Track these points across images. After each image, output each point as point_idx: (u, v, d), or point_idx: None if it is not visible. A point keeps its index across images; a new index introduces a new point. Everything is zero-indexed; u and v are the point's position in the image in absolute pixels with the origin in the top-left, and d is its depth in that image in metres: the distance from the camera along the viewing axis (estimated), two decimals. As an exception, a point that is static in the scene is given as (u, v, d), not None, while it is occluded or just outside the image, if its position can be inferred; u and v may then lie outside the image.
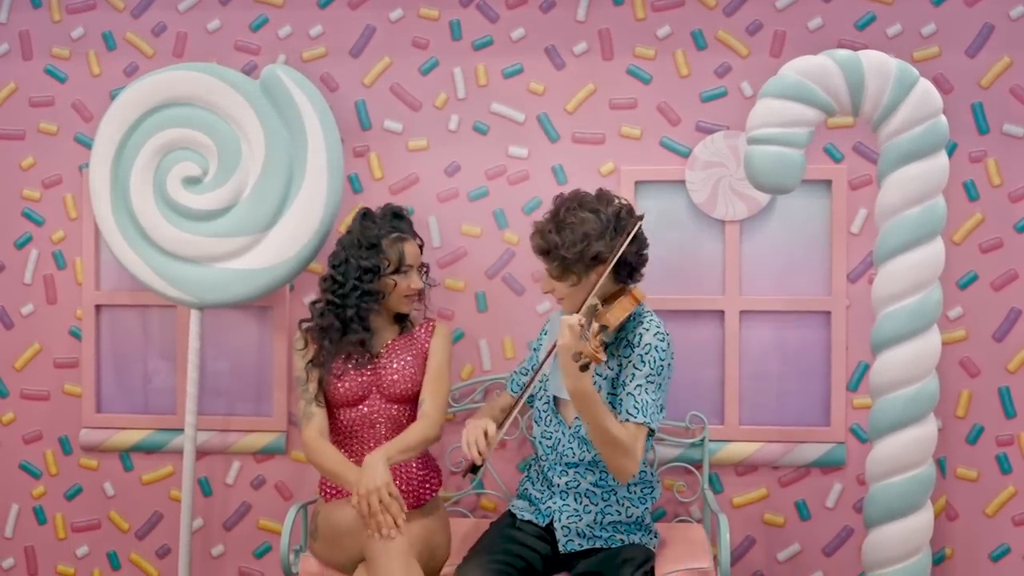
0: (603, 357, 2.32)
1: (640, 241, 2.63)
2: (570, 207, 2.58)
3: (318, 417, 2.79)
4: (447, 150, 3.28)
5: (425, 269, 2.93)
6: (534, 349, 2.93)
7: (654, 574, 2.61)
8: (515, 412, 2.56)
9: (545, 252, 2.59)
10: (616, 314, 2.48)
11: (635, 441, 2.47)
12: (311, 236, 3.00)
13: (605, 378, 2.61)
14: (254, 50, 3.31)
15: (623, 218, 2.58)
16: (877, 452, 2.77)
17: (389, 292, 2.81)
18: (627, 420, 2.49)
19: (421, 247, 2.92)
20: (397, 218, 2.89)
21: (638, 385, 2.52)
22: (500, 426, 2.55)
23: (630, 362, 2.55)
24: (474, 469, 2.53)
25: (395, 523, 2.50)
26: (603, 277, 2.55)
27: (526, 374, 2.90)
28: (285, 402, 3.32)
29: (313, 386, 2.80)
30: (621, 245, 2.54)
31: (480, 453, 2.48)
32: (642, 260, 2.66)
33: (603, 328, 2.43)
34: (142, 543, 3.42)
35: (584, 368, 2.34)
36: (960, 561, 3.20)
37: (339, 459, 2.70)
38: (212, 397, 3.36)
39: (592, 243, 2.53)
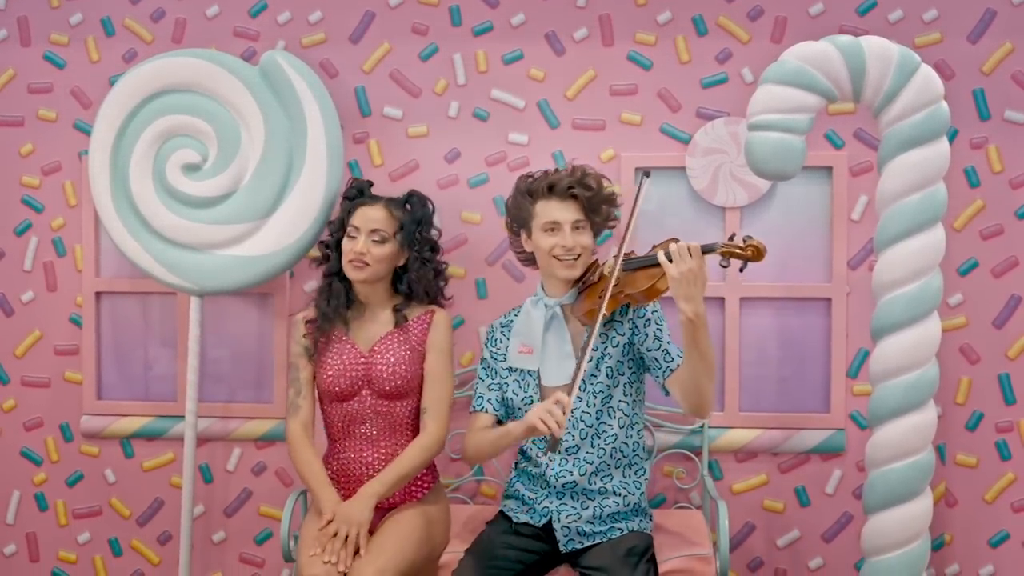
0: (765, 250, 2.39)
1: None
2: (574, 168, 2.70)
3: (304, 410, 2.77)
4: (447, 137, 3.27)
5: (427, 247, 2.81)
6: (490, 358, 2.77)
7: (655, 560, 2.62)
8: (580, 377, 2.44)
9: (569, 190, 2.63)
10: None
11: None
12: (311, 223, 2.99)
13: (616, 345, 2.63)
14: (253, 36, 3.30)
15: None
16: (877, 439, 2.77)
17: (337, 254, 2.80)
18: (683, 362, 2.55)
19: (404, 221, 2.77)
20: (362, 189, 2.86)
21: (669, 335, 2.62)
22: (569, 393, 2.42)
23: (649, 321, 2.62)
24: (555, 444, 2.41)
25: (345, 563, 2.50)
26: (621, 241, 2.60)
27: (496, 389, 2.74)
28: (285, 389, 3.32)
29: (304, 375, 2.79)
30: (634, 211, 2.54)
31: (559, 425, 2.36)
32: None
33: (733, 235, 2.48)
34: (143, 529, 3.43)
35: (742, 269, 2.41)
36: (959, 547, 3.21)
37: (316, 473, 2.69)
38: (212, 384, 3.37)
39: (604, 182, 2.68)
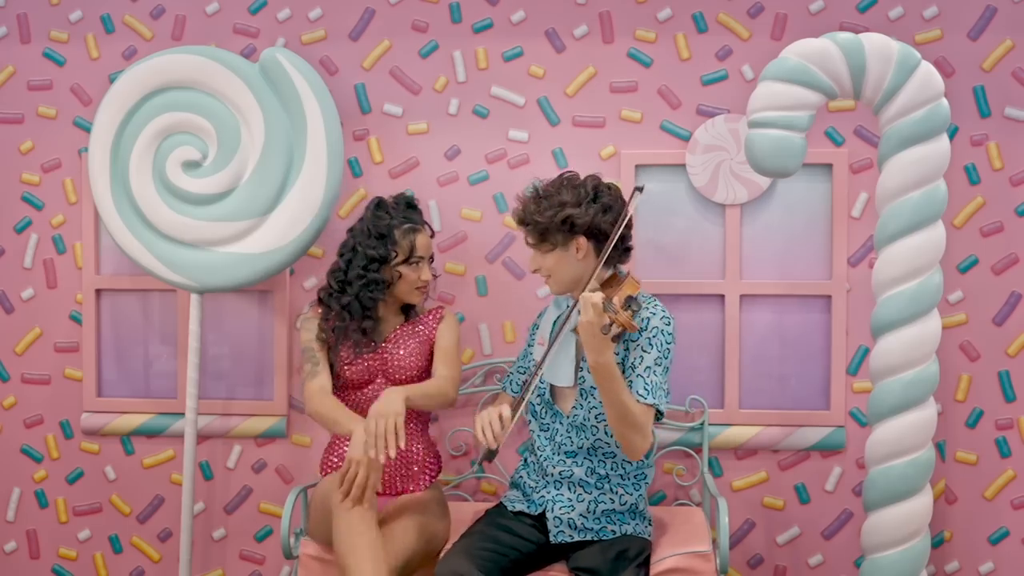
0: (638, 325, 2.36)
1: (629, 220, 2.61)
2: (554, 183, 2.66)
3: (322, 376, 2.82)
4: (447, 134, 3.27)
5: (431, 260, 2.94)
6: (531, 345, 2.87)
7: (649, 564, 2.61)
8: (530, 394, 2.49)
9: (522, 221, 2.66)
10: (625, 293, 2.48)
11: (647, 420, 2.51)
12: (311, 220, 2.99)
13: (615, 352, 2.61)
14: (253, 33, 3.30)
15: (602, 191, 2.63)
16: (877, 436, 2.77)
17: (395, 282, 2.82)
18: (639, 401, 2.50)
19: (433, 237, 2.94)
20: (410, 208, 2.91)
21: (647, 367, 2.54)
22: (514, 409, 2.48)
23: (638, 345, 2.56)
24: (490, 455, 2.45)
25: (387, 450, 2.49)
26: (587, 251, 2.60)
27: (524, 372, 2.88)
28: (286, 386, 3.33)
29: (320, 354, 2.84)
30: (623, 219, 2.53)
31: (495, 437, 2.43)
32: (629, 242, 2.70)
33: (629, 300, 2.41)
34: (143, 527, 3.43)
35: (616, 339, 2.37)
36: (959, 544, 3.21)
37: (338, 406, 2.73)
38: (213, 381, 3.37)
39: (566, 208, 2.58)
